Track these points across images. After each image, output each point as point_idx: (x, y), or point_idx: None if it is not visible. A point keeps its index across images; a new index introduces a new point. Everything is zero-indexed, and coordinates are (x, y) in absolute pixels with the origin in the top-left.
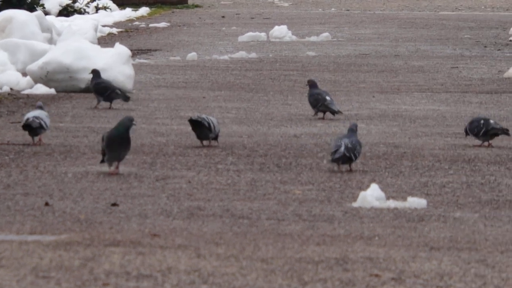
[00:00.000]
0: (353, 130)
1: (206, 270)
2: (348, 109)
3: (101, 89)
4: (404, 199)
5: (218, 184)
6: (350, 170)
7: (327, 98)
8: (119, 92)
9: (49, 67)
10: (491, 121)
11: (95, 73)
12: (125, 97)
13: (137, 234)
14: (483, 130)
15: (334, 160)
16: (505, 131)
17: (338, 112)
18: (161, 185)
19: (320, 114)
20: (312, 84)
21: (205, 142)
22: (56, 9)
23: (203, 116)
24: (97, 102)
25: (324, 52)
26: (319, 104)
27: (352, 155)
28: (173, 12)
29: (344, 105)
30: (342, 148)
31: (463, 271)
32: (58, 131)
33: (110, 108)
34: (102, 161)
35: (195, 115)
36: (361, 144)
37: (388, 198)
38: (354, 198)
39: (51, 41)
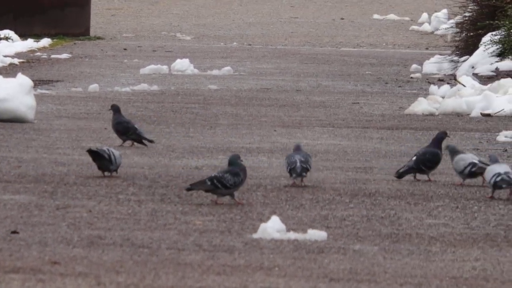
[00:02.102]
0: (299, 148)
1: None
2: (250, 142)
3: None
4: (305, 231)
5: (118, 213)
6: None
7: (137, 127)
8: None
9: None
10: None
11: None
12: None
13: (37, 261)
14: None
15: (298, 174)
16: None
17: (151, 141)
18: (61, 214)
19: (129, 142)
20: (115, 109)
21: (106, 173)
22: None
23: (104, 148)
24: None
25: (226, 85)
26: (130, 132)
27: (308, 166)
28: (75, 43)
29: (246, 138)
30: (298, 163)
31: None
32: None
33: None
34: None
35: (95, 146)
36: (311, 156)
37: (288, 230)
38: (255, 230)
39: None
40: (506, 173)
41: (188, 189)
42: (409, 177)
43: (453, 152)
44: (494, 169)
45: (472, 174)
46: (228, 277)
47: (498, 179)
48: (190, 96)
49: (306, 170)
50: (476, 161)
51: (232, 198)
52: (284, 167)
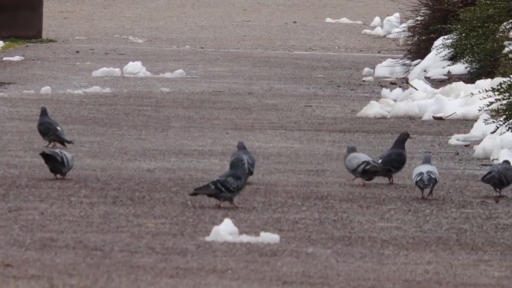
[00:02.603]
0: (243, 147)
1: None
2: (202, 145)
3: None
4: (257, 234)
5: (71, 216)
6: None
7: (58, 128)
8: None
9: None
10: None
11: None
12: None
13: None
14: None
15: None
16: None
17: (70, 142)
18: (14, 216)
19: (52, 144)
20: (42, 111)
21: (58, 176)
22: None
23: (57, 150)
24: None
25: (178, 88)
26: (50, 133)
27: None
28: (27, 46)
29: (198, 141)
30: (246, 164)
31: None
32: None
33: None
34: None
35: (48, 149)
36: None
37: (241, 233)
38: (207, 232)
39: None
40: (428, 172)
41: (193, 194)
42: (360, 180)
43: (349, 150)
44: (418, 169)
45: (365, 172)
46: (181, 279)
47: (418, 179)
48: (143, 98)
49: (251, 173)
50: (370, 160)
51: (231, 202)
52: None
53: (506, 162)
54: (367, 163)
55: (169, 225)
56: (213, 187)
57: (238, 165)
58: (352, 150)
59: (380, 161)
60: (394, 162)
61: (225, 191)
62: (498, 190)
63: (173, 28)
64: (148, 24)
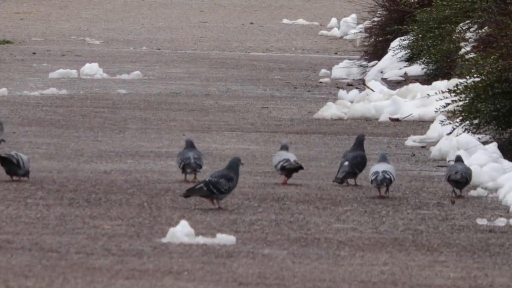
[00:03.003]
0: (192, 145)
1: None
2: (159, 147)
3: None
4: (213, 235)
5: (27, 218)
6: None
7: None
8: None
9: None
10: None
11: None
12: None
13: None
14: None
15: (193, 169)
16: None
17: (2, 141)
18: None
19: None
20: None
21: (14, 177)
22: None
23: (13, 153)
24: None
25: (135, 90)
26: None
27: (201, 163)
28: None
29: (155, 142)
30: (192, 159)
31: None
32: None
33: None
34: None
35: (4, 152)
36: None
37: (197, 234)
38: (164, 234)
39: None
40: (383, 172)
41: (186, 196)
42: (317, 181)
43: (281, 148)
44: (374, 168)
45: (283, 169)
46: (137, 281)
47: (373, 178)
48: (99, 100)
49: (199, 166)
50: (291, 159)
51: (217, 203)
52: (177, 163)
53: (459, 159)
54: (286, 160)
55: (125, 227)
56: (205, 188)
57: (234, 166)
58: (283, 147)
59: (346, 163)
60: (360, 166)
61: (216, 192)
62: (460, 190)
63: (130, 29)
64: (105, 25)
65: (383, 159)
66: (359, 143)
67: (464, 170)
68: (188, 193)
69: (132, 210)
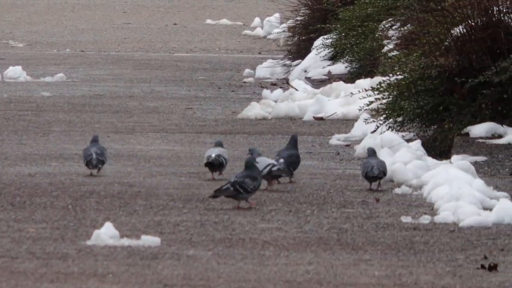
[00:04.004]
0: (96, 140)
1: None
2: (83, 149)
3: None
4: (138, 237)
5: None
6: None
7: None
8: None
9: None
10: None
11: None
12: None
13: None
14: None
15: (93, 165)
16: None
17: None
18: None
19: None
20: None
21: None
22: None
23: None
24: None
25: (59, 92)
26: None
27: (104, 158)
28: None
29: (79, 145)
30: (94, 155)
31: None
32: None
33: None
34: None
35: None
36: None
37: (122, 236)
38: (88, 236)
39: None
40: (378, 165)
41: (214, 196)
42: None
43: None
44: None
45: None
46: (61, 284)
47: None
48: (23, 103)
49: (102, 162)
50: (275, 163)
51: (247, 201)
52: (82, 159)
53: (372, 152)
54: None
55: (50, 230)
56: (232, 188)
57: (253, 165)
58: (218, 144)
59: (282, 161)
60: (295, 164)
61: (242, 192)
62: (378, 184)
63: (53, 32)
64: (28, 28)
65: (373, 153)
66: (294, 142)
67: (380, 164)
68: (216, 194)
69: (56, 213)
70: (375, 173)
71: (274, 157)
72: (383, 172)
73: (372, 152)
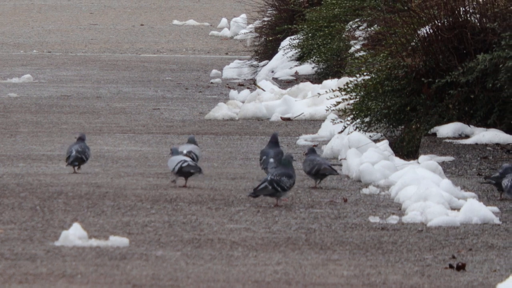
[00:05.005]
0: (81, 138)
1: None
2: (51, 150)
3: None
4: (106, 238)
5: None
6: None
7: None
8: None
9: None
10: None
11: None
12: None
13: None
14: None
15: (70, 162)
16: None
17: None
18: None
19: None
20: None
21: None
22: None
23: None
24: None
25: (26, 93)
26: None
27: (84, 156)
28: None
29: (47, 146)
30: (74, 152)
31: None
32: None
33: None
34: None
35: None
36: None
37: (90, 237)
38: (56, 237)
39: None
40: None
41: (254, 196)
42: (209, 182)
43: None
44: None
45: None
46: (30, 285)
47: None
48: None
49: (81, 160)
50: (186, 160)
51: (279, 199)
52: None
53: (312, 149)
54: (184, 161)
55: (18, 231)
56: (270, 187)
57: (289, 163)
58: (190, 140)
59: (271, 160)
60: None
61: (280, 190)
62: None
63: (20, 33)
64: None
65: (313, 151)
66: (275, 140)
67: (327, 162)
68: (255, 193)
69: (24, 214)
70: (326, 172)
71: (260, 155)
72: (336, 171)
73: (312, 150)
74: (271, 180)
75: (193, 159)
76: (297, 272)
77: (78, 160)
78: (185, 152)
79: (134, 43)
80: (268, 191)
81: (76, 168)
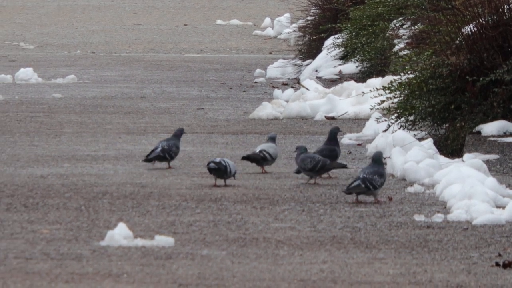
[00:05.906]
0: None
1: None
2: (95, 150)
3: None
4: (152, 237)
5: None
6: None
7: None
8: None
9: None
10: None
11: None
12: None
13: None
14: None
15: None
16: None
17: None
18: None
19: None
20: None
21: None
22: None
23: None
24: None
25: (70, 94)
26: None
27: (167, 155)
28: None
29: (91, 146)
30: (159, 149)
31: None
32: None
33: None
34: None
35: None
36: (178, 146)
37: (136, 236)
38: (102, 237)
39: None
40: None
41: (347, 193)
42: (254, 181)
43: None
44: (312, 156)
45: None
46: (76, 284)
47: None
48: (35, 105)
49: (164, 157)
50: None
51: (375, 196)
52: None
53: (304, 148)
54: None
55: (64, 231)
56: (363, 185)
57: (380, 160)
58: (271, 139)
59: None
60: (333, 158)
61: (372, 188)
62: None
63: (64, 33)
64: (39, 30)
65: (304, 150)
66: (332, 136)
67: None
68: (348, 190)
69: (70, 214)
70: (335, 166)
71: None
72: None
73: (304, 149)
74: (364, 179)
75: (265, 157)
76: (343, 270)
77: (159, 158)
78: (257, 151)
79: (177, 43)
80: (361, 189)
81: (164, 163)
